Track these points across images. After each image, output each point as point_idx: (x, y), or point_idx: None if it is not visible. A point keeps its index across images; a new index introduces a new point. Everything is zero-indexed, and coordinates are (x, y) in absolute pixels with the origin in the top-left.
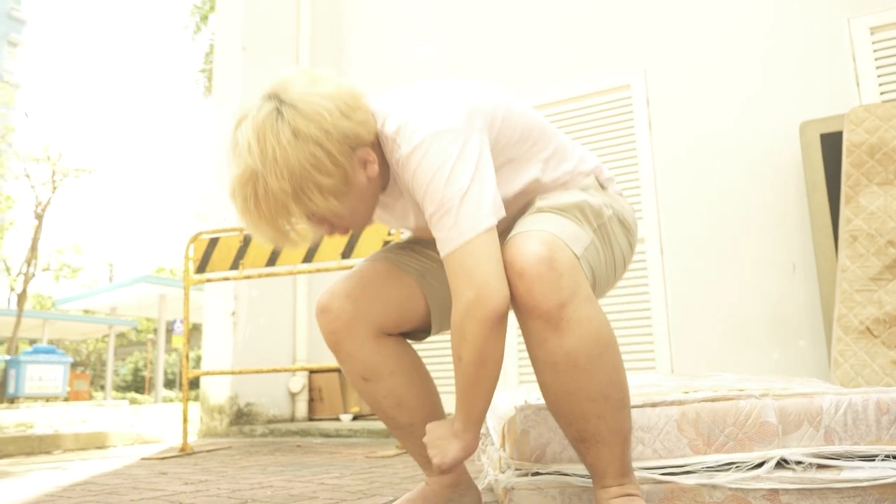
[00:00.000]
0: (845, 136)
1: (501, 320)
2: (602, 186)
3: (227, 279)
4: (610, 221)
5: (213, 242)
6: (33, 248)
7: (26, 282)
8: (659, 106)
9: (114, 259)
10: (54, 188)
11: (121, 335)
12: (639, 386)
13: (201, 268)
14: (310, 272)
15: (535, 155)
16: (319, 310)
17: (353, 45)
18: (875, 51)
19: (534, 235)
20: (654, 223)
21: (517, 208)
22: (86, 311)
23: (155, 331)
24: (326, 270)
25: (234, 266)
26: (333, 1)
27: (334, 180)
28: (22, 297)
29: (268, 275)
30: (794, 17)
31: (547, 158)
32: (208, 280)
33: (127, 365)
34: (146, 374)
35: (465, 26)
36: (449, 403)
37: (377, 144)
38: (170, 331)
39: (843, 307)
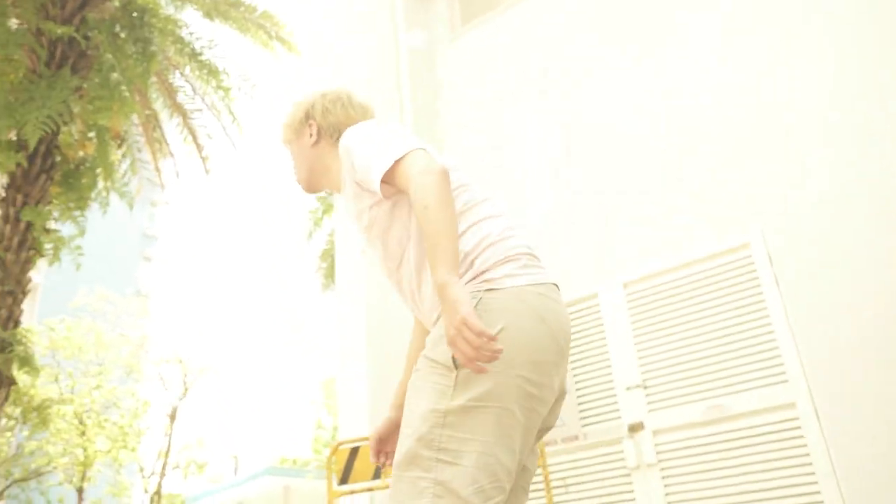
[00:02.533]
0: None
1: (443, 174)
2: (493, 287)
3: (370, 489)
4: (461, 417)
5: (354, 452)
6: (167, 449)
7: (160, 482)
8: (783, 263)
9: (238, 451)
10: (185, 390)
11: None
12: None
13: (344, 479)
14: None
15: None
16: None
17: None
18: None
19: None
20: (802, 387)
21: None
22: None
23: None
24: None
25: (377, 475)
26: None
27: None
28: (157, 499)
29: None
30: None
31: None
32: (352, 492)
33: None
34: None
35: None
36: None
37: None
38: None
39: None
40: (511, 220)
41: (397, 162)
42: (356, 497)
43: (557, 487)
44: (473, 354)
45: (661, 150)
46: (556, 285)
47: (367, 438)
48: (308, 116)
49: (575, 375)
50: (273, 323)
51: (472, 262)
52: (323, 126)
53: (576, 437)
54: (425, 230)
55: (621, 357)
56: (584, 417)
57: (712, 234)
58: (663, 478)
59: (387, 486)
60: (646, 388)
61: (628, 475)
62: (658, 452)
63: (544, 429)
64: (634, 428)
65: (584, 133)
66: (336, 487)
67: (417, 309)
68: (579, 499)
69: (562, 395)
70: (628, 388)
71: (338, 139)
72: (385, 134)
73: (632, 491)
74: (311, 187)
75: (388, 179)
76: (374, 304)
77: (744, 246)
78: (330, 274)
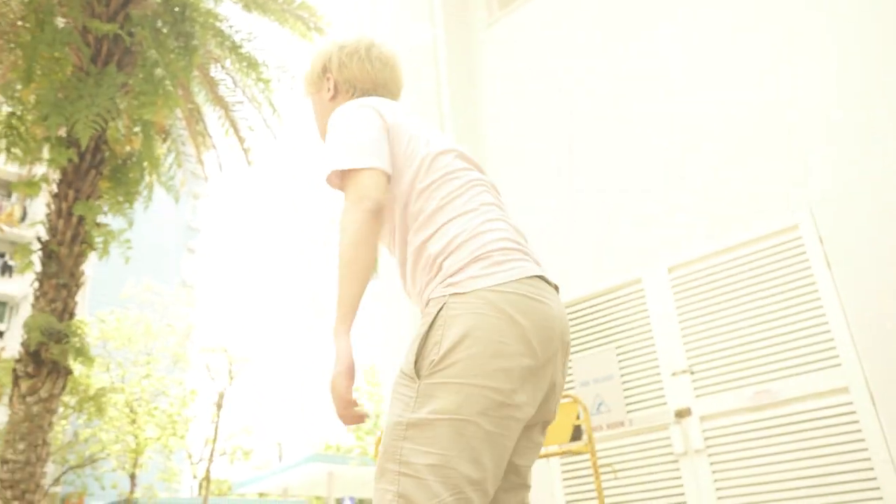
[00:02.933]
0: None
1: (373, 213)
2: (458, 290)
3: None
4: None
5: None
6: (214, 436)
7: (208, 469)
8: (834, 243)
9: (282, 438)
10: (231, 378)
11: None
12: None
13: None
14: None
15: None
16: None
17: None
18: None
19: None
20: (857, 371)
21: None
22: (260, 495)
23: None
24: (546, 457)
25: None
26: None
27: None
28: (206, 484)
29: None
30: None
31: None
32: None
33: None
34: None
35: (623, 182)
36: None
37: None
38: None
39: None
40: (504, 207)
41: (346, 172)
42: None
43: (606, 473)
44: (340, 414)
45: (709, 130)
46: (541, 277)
47: None
48: (325, 70)
49: (620, 361)
50: (315, 310)
51: (440, 266)
52: (339, 81)
53: (621, 423)
54: (337, 264)
55: (667, 342)
56: (630, 403)
57: (760, 215)
58: (711, 464)
59: None
60: (692, 373)
61: (676, 461)
62: (706, 438)
63: (542, 423)
64: (681, 413)
65: (631, 111)
66: None
67: (412, 300)
68: (627, 484)
69: (554, 387)
70: (674, 374)
71: (354, 94)
72: (354, 132)
73: (679, 477)
74: None
75: (335, 180)
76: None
77: (793, 227)
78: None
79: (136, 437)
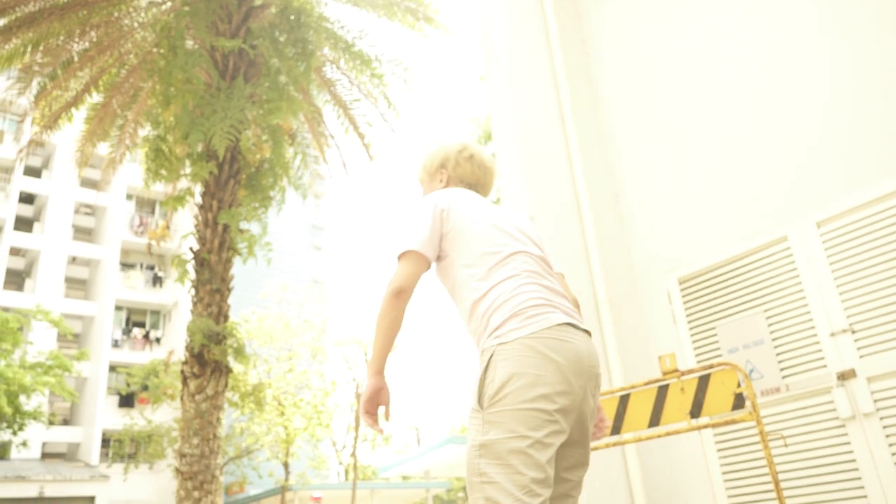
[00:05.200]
0: None
1: (401, 289)
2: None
3: None
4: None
5: None
6: (356, 424)
7: (354, 455)
8: None
9: (418, 423)
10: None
11: (436, 497)
12: None
13: None
14: (658, 437)
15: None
16: None
17: (633, 212)
18: None
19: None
20: None
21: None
22: (403, 478)
23: (464, 489)
24: (677, 433)
25: None
26: (607, 171)
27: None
28: (353, 470)
29: (615, 443)
30: None
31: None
32: None
33: None
34: None
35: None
36: None
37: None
38: None
39: None
40: (545, 271)
41: (399, 254)
42: None
43: (774, 439)
44: (369, 424)
45: (852, 75)
46: (568, 323)
47: None
48: (442, 165)
49: (770, 325)
50: (444, 296)
51: (487, 320)
52: (452, 177)
53: (777, 389)
54: (375, 325)
55: (821, 302)
56: (785, 368)
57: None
58: (884, 427)
59: (592, 448)
60: (854, 332)
61: (842, 426)
62: (875, 401)
63: (579, 440)
64: (845, 376)
65: (765, 62)
66: None
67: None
68: (790, 452)
69: (590, 411)
70: (832, 334)
71: (459, 186)
72: (414, 221)
73: (848, 443)
74: None
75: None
76: None
77: None
78: None
79: (285, 428)
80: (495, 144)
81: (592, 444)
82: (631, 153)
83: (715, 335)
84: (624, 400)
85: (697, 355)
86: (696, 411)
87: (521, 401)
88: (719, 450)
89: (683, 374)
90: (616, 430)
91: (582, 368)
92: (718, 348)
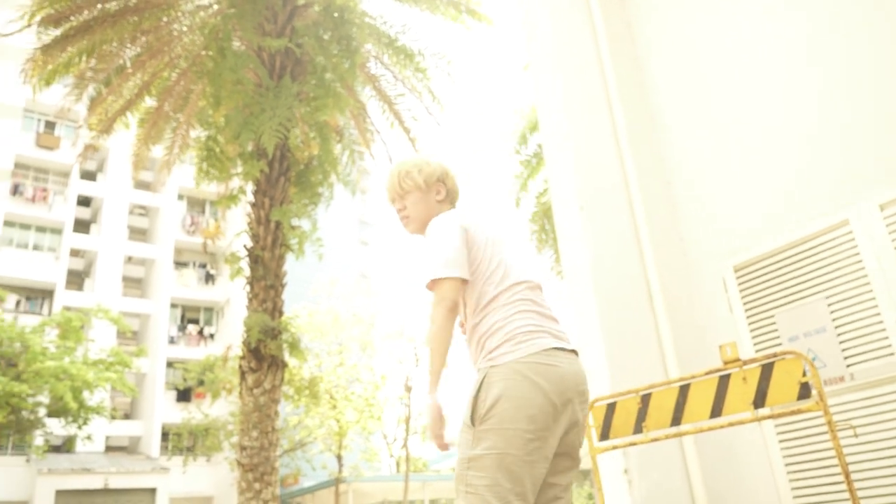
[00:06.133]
0: None
1: (451, 311)
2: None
3: (633, 444)
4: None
5: (611, 407)
6: (407, 417)
7: (406, 446)
8: None
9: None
10: (417, 361)
11: None
12: None
13: (604, 434)
14: (721, 427)
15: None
16: None
17: (685, 199)
18: None
19: None
20: None
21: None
22: (454, 470)
23: None
24: (740, 423)
25: (637, 429)
26: (657, 157)
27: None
28: (406, 463)
29: (675, 434)
30: None
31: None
32: (613, 447)
33: None
34: None
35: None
36: None
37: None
38: None
39: None
40: (541, 300)
41: (435, 279)
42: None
43: (843, 429)
44: (436, 444)
45: None
46: (558, 348)
47: (627, 392)
48: (440, 179)
49: (832, 312)
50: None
51: (483, 344)
52: (450, 191)
53: (841, 379)
54: (428, 347)
55: (886, 287)
56: (849, 356)
57: None
58: None
59: (652, 441)
60: None
61: None
62: None
63: (567, 451)
64: None
65: (820, 40)
66: (597, 444)
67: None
68: (858, 443)
69: (576, 424)
70: None
71: (447, 198)
72: (445, 246)
73: None
74: (419, 231)
75: (428, 283)
76: (603, 274)
77: None
78: (541, 237)
79: (337, 421)
80: (542, 134)
81: (652, 435)
82: (681, 138)
83: (773, 323)
84: (683, 390)
85: (756, 344)
86: (759, 401)
87: (507, 420)
88: (781, 440)
89: (745, 363)
90: (676, 421)
91: (566, 387)
92: (777, 337)
